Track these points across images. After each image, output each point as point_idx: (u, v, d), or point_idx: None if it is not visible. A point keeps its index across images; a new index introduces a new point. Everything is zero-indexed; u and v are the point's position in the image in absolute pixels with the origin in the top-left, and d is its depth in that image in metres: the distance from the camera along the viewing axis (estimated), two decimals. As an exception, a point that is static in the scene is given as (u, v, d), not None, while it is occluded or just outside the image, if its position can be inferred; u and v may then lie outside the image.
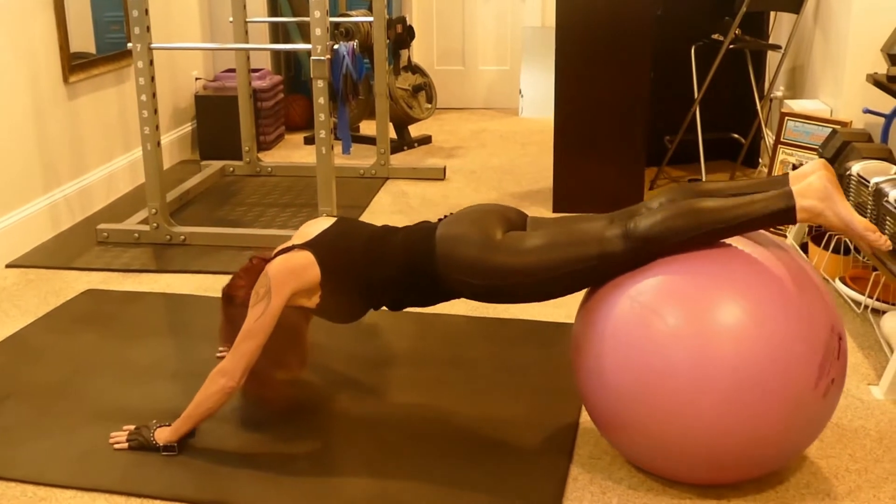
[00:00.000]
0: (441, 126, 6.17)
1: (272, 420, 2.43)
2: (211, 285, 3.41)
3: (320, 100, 3.63)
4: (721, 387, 1.91)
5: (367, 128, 5.66)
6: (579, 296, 2.21)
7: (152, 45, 3.71)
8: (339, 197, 4.04)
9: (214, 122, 5.21)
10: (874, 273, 3.05)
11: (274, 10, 5.98)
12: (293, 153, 5.50)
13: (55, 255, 3.76)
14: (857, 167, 2.94)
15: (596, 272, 2.07)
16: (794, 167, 3.56)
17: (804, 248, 3.48)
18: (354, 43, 4.20)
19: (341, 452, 2.31)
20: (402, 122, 5.53)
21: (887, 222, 2.66)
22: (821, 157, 3.25)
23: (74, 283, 3.45)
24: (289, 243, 2.32)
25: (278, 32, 6.09)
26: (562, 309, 3.01)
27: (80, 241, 3.92)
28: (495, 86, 6.76)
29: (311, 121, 4.60)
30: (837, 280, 3.22)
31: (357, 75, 4.12)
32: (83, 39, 4.30)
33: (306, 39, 4.45)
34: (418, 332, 2.97)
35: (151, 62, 3.72)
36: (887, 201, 2.68)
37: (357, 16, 5.24)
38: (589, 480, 2.19)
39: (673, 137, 4.56)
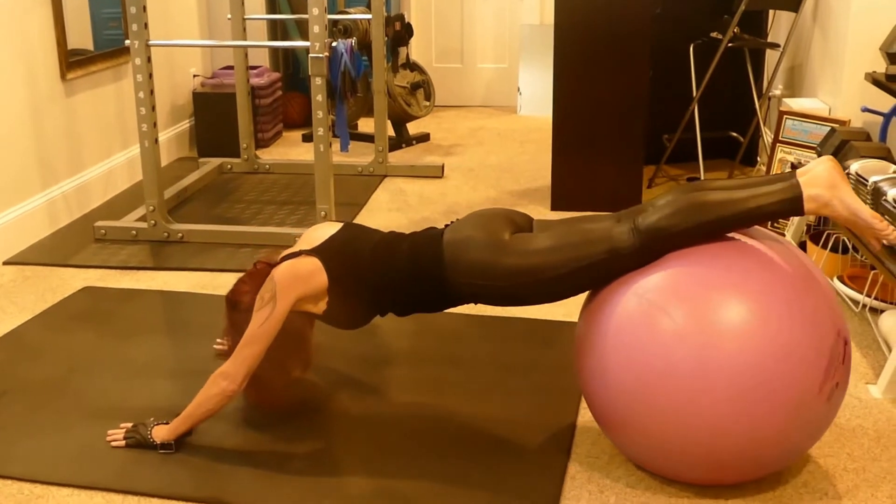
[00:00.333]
0: (439, 124, 6.16)
1: (271, 419, 2.43)
2: (208, 282, 3.41)
3: (318, 97, 3.63)
4: (725, 387, 1.90)
5: (366, 125, 5.65)
6: (580, 295, 2.20)
7: (150, 42, 3.70)
8: (337, 194, 4.03)
9: (212, 120, 5.20)
10: (872, 272, 3.05)
11: (272, 7, 5.96)
12: (291, 150, 5.50)
13: (52, 252, 3.75)
14: (855, 166, 2.94)
15: (606, 269, 2.07)
16: (793, 165, 3.56)
17: (802, 246, 3.48)
18: (353, 40, 4.19)
19: (340, 451, 2.31)
20: (400, 119, 5.53)
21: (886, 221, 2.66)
22: (820, 155, 3.25)
23: (72, 281, 3.45)
24: (295, 249, 2.31)
25: (276, 29, 6.08)
26: (561, 308, 3.01)
27: (78, 238, 3.91)
28: (494, 83, 6.75)
29: (310, 118, 4.61)
30: (836, 279, 3.22)
31: (355, 73, 4.11)
32: (81, 36, 4.29)
33: (305, 37, 4.44)
34: (418, 331, 2.96)
35: (149, 59, 3.71)
36: (886, 200, 2.68)
37: (355, 13, 5.24)
38: (587, 479, 2.19)
39: (671, 136, 4.56)
